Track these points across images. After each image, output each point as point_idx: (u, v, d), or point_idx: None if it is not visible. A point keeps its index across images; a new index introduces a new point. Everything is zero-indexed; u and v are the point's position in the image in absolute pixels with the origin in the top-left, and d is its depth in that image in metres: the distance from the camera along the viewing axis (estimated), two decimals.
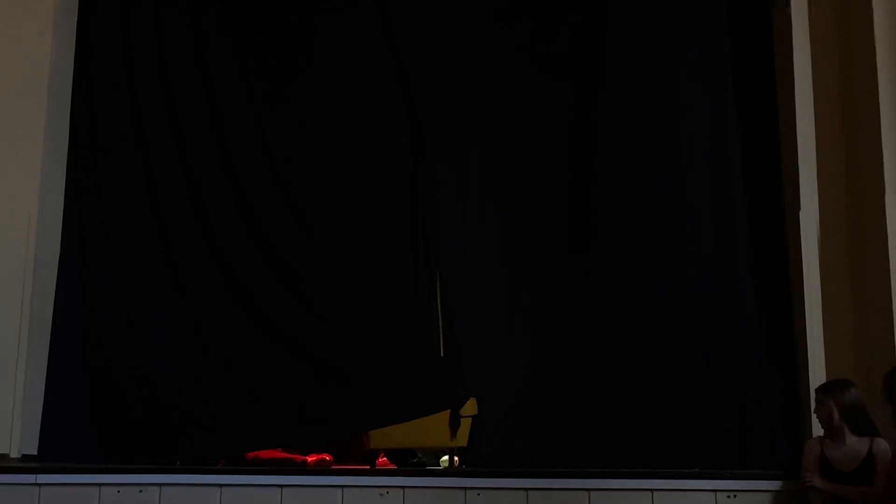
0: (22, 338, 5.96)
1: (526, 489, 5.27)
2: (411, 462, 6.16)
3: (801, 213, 5.80)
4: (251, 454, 5.95)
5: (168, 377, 6.05)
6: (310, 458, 6.00)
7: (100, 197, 6.31)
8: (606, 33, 6.25)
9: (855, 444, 4.86)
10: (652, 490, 5.20)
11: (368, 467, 5.80)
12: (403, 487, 5.34)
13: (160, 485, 5.40)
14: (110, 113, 6.39)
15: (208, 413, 5.95)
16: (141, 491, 5.40)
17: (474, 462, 5.74)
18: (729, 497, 5.17)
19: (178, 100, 6.37)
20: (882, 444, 4.83)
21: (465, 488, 5.32)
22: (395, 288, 6.09)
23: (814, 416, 5.08)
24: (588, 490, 5.23)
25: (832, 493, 4.78)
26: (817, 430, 5.16)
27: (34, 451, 5.96)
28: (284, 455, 5.96)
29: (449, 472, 5.71)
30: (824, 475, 4.83)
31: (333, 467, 5.94)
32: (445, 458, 6.00)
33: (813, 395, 5.10)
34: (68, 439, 5.96)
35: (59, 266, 6.21)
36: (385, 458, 6.10)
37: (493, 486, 5.31)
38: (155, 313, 6.16)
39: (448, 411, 5.71)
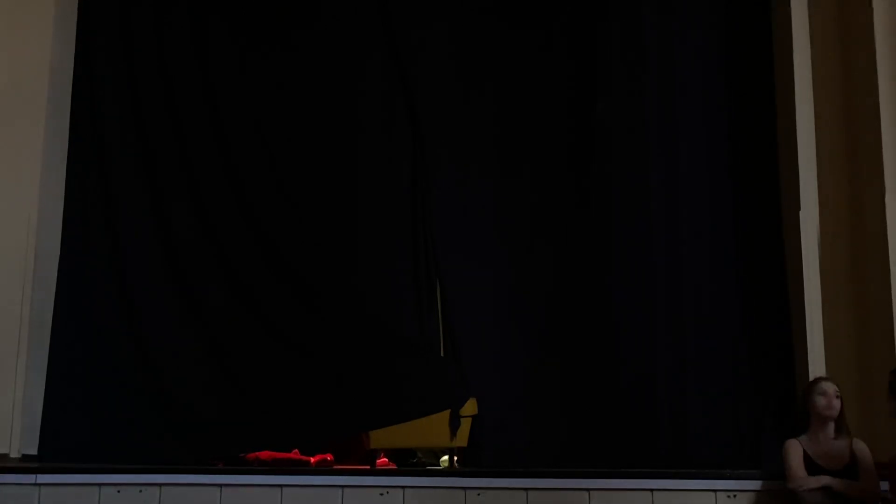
0: (22, 338, 5.96)
1: (526, 489, 5.27)
2: (411, 462, 6.15)
3: (801, 213, 5.80)
4: (252, 454, 5.95)
5: (169, 377, 6.05)
6: (312, 459, 5.99)
7: (101, 196, 6.32)
8: (606, 33, 6.25)
9: (839, 442, 4.91)
10: (652, 490, 5.19)
11: (368, 467, 5.80)
12: (403, 487, 5.33)
13: (160, 485, 5.39)
14: (111, 112, 6.39)
15: (208, 413, 5.95)
16: (141, 491, 5.39)
17: (474, 462, 5.75)
18: (729, 497, 5.16)
19: (178, 99, 6.37)
20: (861, 444, 4.90)
21: (465, 488, 5.31)
22: (395, 288, 6.09)
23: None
24: (588, 490, 5.22)
25: (838, 490, 4.77)
26: None
27: (34, 451, 5.96)
28: (285, 455, 5.96)
29: (449, 472, 5.70)
30: (812, 475, 4.85)
31: (334, 467, 5.94)
32: (445, 458, 6.00)
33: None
34: (68, 439, 5.96)
35: (59, 266, 6.22)
36: (385, 458, 6.10)
37: (493, 486, 5.30)
38: (157, 313, 6.16)
39: (448, 411, 5.71)
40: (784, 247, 5.98)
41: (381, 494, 5.32)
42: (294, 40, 6.41)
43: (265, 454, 5.88)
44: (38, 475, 5.45)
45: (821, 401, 4.94)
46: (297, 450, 6.02)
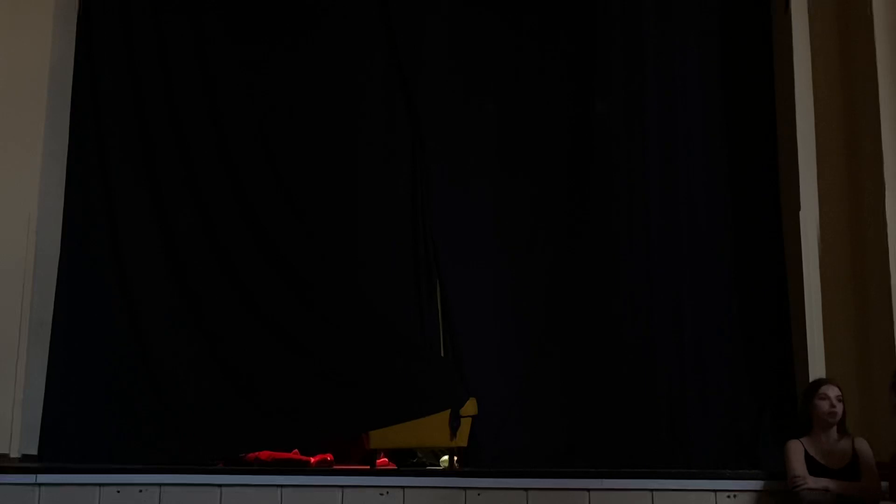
0: (22, 338, 5.96)
1: (526, 489, 5.26)
2: (411, 462, 6.15)
3: (801, 213, 5.80)
4: (252, 454, 5.95)
5: (169, 377, 6.06)
6: (312, 459, 5.99)
7: (101, 196, 6.33)
8: (605, 34, 6.25)
9: (841, 442, 4.90)
10: (652, 490, 5.19)
11: (368, 467, 5.80)
12: (403, 487, 5.33)
13: (160, 485, 5.40)
14: (111, 112, 6.40)
15: (208, 413, 5.95)
16: (141, 491, 5.39)
17: (474, 462, 5.75)
18: (729, 497, 5.16)
19: (178, 99, 6.38)
20: (864, 442, 4.89)
21: (465, 488, 5.31)
22: (396, 288, 6.10)
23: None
24: (588, 490, 5.22)
25: (838, 492, 4.76)
26: None
27: (34, 451, 5.97)
28: (285, 455, 5.96)
29: (449, 472, 5.70)
30: (813, 474, 4.84)
31: (333, 467, 5.94)
32: (445, 458, 6.00)
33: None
34: (68, 439, 5.96)
35: (59, 266, 6.22)
36: (385, 458, 6.10)
37: (493, 486, 5.30)
38: (157, 313, 6.17)
39: (448, 411, 5.71)
40: (784, 247, 5.98)
41: (381, 494, 5.32)
42: (295, 40, 6.41)
43: (265, 454, 5.87)
44: (38, 475, 5.46)
45: (823, 405, 4.90)
46: (297, 450, 6.02)
